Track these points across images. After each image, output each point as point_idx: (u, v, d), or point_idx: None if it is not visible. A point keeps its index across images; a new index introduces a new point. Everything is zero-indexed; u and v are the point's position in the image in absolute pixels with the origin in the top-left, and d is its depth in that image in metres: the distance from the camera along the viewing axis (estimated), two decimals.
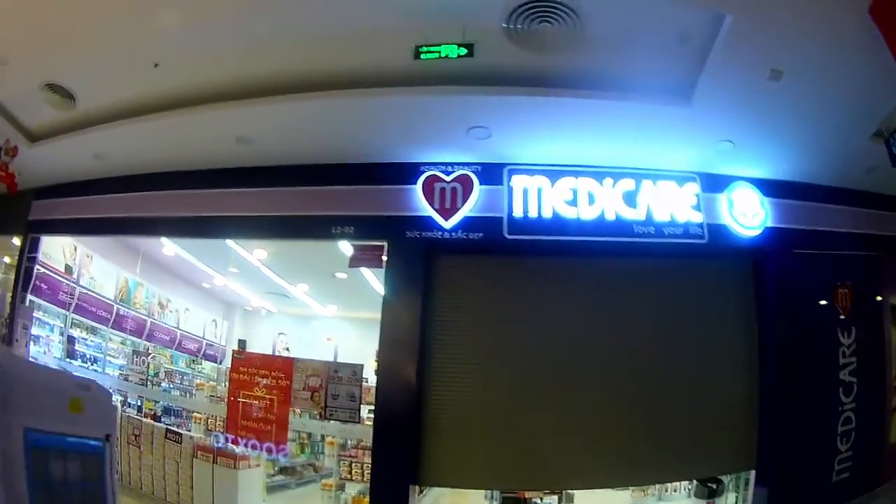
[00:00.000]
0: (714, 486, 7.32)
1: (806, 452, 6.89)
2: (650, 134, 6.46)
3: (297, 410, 6.89)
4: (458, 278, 6.61)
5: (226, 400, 7.04)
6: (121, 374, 8.55)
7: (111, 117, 6.98)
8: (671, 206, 6.94)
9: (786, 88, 5.57)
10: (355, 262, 6.73)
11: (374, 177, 6.73)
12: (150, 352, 8.88)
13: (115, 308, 9.01)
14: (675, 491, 7.86)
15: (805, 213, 7.72)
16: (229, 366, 7.23)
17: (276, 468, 7.59)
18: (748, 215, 7.28)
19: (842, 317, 7.75)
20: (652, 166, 7.04)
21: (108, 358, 8.76)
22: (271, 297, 11.06)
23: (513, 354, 6.58)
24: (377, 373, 6.43)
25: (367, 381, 6.82)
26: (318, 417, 6.84)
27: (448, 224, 6.45)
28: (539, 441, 6.45)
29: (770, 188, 7.47)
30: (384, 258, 6.56)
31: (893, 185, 7.93)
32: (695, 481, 7.36)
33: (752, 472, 6.95)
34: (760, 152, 7.00)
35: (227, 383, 7.13)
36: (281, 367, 6.89)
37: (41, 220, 8.58)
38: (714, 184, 7.24)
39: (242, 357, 7.19)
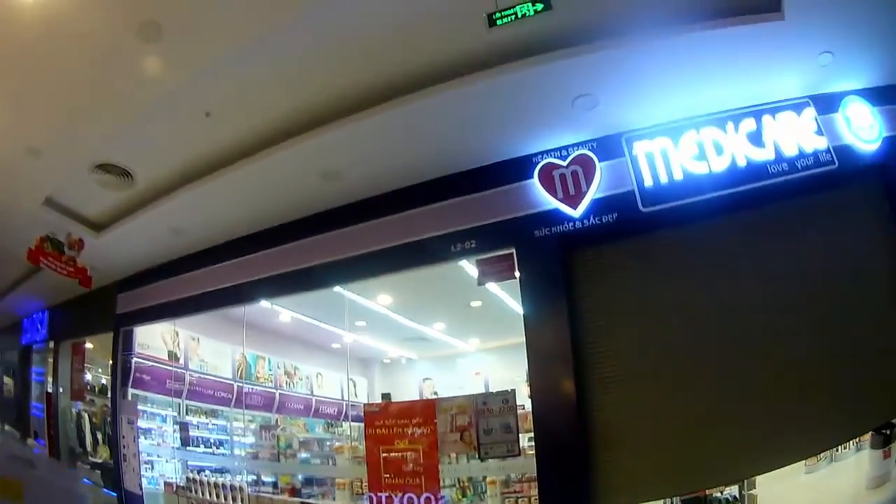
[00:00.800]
0: (888, 432, 5.77)
1: None
2: (751, 59, 5.11)
3: (453, 455, 5.37)
4: (601, 270, 5.24)
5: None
6: (248, 452, 7.11)
7: (177, 185, 5.70)
8: (796, 136, 5.54)
9: None
10: (484, 277, 5.28)
11: (485, 181, 5.40)
12: (278, 424, 7.43)
13: (234, 386, 7.62)
14: (845, 448, 6.32)
15: None
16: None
17: None
18: (866, 128, 5.83)
19: None
20: (764, 100, 5.62)
21: (235, 438, 7.36)
22: (409, 343, 9.59)
23: (672, 343, 5.14)
24: (531, 396, 5.02)
25: (522, 409, 5.37)
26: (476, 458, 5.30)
27: (577, 212, 5.06)
28: (714, 432, 5.02)
29: (878, 96, 6.09)
30: (515, 267, 5.03)
31: None
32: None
33: None
34: (862, 59, 5.59)
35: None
36: (421, 412, 5.52)
37: (129, 311, 7.37)
38: (826, 104, 5.88)
39: (377, 409, 5.71)
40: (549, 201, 5.11)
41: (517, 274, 5.06)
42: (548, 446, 4.90)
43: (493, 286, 6.31)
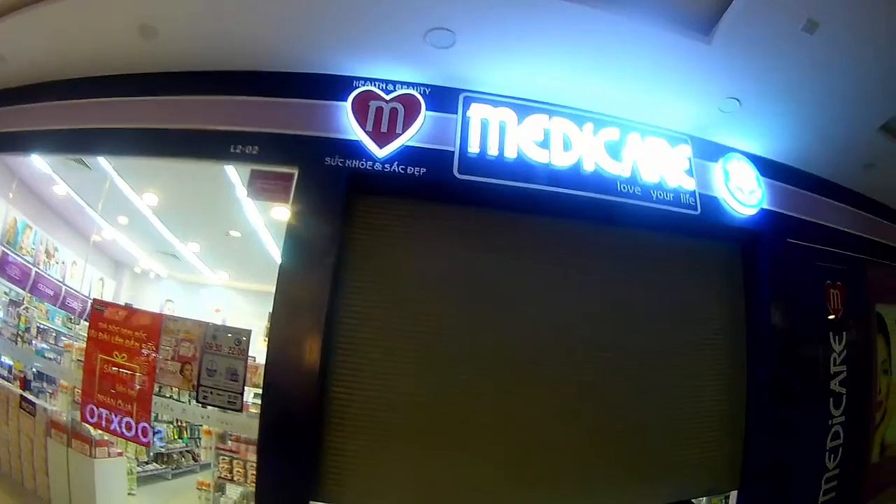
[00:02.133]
0: None
1: (794, 470, 5.11)
2: (651, 71, 4.42)
3: (175, 389, 4.37)
4: (389, 227, 4.28)
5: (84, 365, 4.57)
6: None
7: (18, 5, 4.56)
8: (661, 166, 4.81)
9: (812, 48, 4.11)
10: (254, 192, 4.21)
11: (295, 88, 4.33)
12: (23, 302, 6.25)
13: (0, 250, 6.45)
14: None
15: (800, 202, 5.94)
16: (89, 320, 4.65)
17: (150, 454, 5.00)
18: (745, 191, 5.16)
19: (833, 320, 5.92)
20: (640, 118, 4.93)
21: None
22: (161, 257, 8.32)
23: (452, 335, 4.21)
24: (268, 348, 3.92)
25: (254, 361, 4.33)
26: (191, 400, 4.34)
27: (382, 153, 4.11)
28: (479, 455, 4.13)
29: (765, 168, 5.60)
30: (291, 191, 4.04)
31: (884, 186, 6.52)
32: None
33: (734, 494, 4.96)
34: (764, 122, 5.11)
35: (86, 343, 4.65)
36: (147, 326, 4.39)
37: None
38: (708, 151, 5.30)
39: (104, 309, 4.59)
40: (353, 131, 4.15)
41: (290, 200, 4.05)
42: (276, 412, 3.83)
43: (259, 221, 5.32)
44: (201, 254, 8.07)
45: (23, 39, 4.76)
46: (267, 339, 3.98)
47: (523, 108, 4.43)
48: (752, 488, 4.86)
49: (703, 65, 4.33)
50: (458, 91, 4.36)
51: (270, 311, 3.94)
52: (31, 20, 4.48)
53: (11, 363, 5.57)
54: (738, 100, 4.75)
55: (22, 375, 5.43)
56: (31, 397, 5.08)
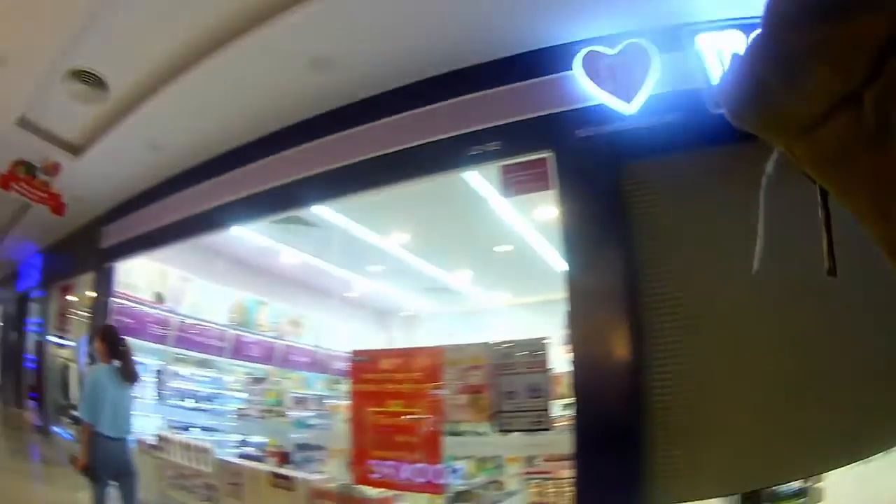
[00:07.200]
0: None
1: None
2: None
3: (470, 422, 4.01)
4: (665, 188, 3.66)
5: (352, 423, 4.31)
6: (239, 409, 5.84)
7: (152, 90, 4.58)
8: None
9: None
10: (510, 187, 3.84)
11: (511, 73, 3.94)
12: (269, 378, 6.11)
13: (230, 334, 6.39)
14: None
15: None
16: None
17: (451, 494, 4.66)
18: None
19: None
20: None
21: (229, 392, 6.13)
22: (430, 294, 7.96)
23: (762, 297, 3.45)
24: (570, 347, 3.46)
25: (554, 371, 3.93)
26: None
27: (632, 108, 3.65)
28: (785, 415, 3.40)
29: None
30: (549, 176, 3.66)
31: None
32: None
33: None
34: None
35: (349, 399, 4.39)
36: (424, 365, 3.99)
37: (112, 246, 6.33)
38: None
39: (366, 358, 4.31)
40: (594, 94, 3.70)
41: (551, 184, 3.68)
42: (591, 420, 3.39)
43: (525, 228, 4.92)
44: (475, 279, 7.68)
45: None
46: (569, 340, 3.55)
47: (748, 25, 3.87)
48: None
49: None
50: (680, 27, 3.79)
51: (566, 312, 3.55)
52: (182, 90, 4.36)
53: (265, 440, 5.42)
54: None
55: (279, 450, 5.24)
56: (285, 472, 4.76)
